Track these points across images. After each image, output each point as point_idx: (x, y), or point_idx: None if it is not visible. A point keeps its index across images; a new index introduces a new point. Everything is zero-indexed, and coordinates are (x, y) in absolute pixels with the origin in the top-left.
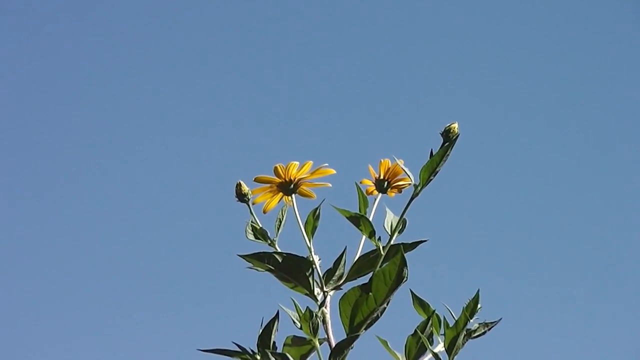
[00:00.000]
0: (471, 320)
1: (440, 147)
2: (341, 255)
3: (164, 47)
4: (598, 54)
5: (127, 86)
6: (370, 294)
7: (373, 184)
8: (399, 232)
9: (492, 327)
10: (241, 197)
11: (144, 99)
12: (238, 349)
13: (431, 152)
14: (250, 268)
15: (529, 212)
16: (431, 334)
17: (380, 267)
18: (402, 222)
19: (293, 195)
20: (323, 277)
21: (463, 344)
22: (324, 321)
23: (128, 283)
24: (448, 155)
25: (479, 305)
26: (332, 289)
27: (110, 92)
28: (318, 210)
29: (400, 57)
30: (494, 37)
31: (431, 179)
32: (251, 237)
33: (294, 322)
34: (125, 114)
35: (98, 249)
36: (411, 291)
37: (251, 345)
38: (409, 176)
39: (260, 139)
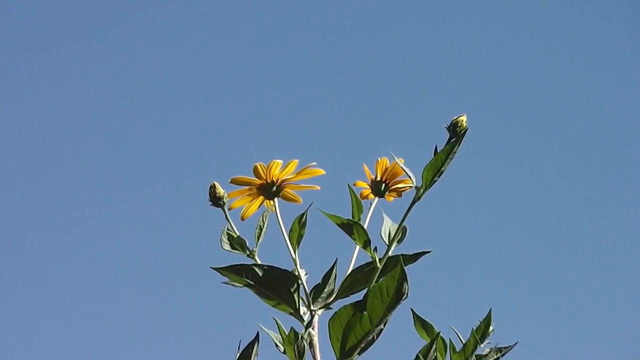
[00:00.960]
0: (482, 345)
1: (446, 143)
2: (331, 269)
3: (137, 41)
4: (605, 51)
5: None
6: (365, 313)
7: (368, 187)
8: (398, 242)
9: (506, 352)
10: (216, 201)
11: (111, 95)
12: None
13: (435, 149)
14: (226, 283)
15: (547, 217)
16: None
17: (376, 282)
18: (401, 230)
19: (276, 199)
20: (310, 294)
21: None
22: (311, 344)
23: (90, 301)
24: (455, 152)
25: (491, 328)
26: (320, 308)
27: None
28: (305, 217)
29: (399, 45)
30: (500, 27)
31: (435, 180)
32: (227, 247)
33: (277, 345)
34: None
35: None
36: (412, 310)
37: None
38: (409, 177)
39: (240, 135)
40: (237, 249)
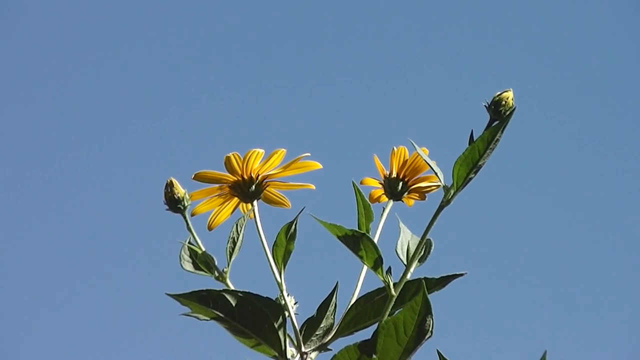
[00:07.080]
0: None
1: (486, 128)
2: (329, 297)
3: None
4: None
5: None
6: (375, 357)
7: (380, 186)
8: (419, 261)
9: None
10: (174, 204)
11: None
12: None
13: (471, 136)
14: (187, 315)
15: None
16: None
17: (390, 315)
18: (425, 245)
19: (255, 202)
20: (301, 331)
21: None
22: None
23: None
24: (498, 140)
25: None
26: (314, 349)
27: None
28: (294, 226)
29: (422, 15)
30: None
31: (471, 178)
32: (189, 266)
33: None
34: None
35: None
36: (439, 353)
37: None
38: (436, 173)
39: (213, 118)
40: (202, 270)
